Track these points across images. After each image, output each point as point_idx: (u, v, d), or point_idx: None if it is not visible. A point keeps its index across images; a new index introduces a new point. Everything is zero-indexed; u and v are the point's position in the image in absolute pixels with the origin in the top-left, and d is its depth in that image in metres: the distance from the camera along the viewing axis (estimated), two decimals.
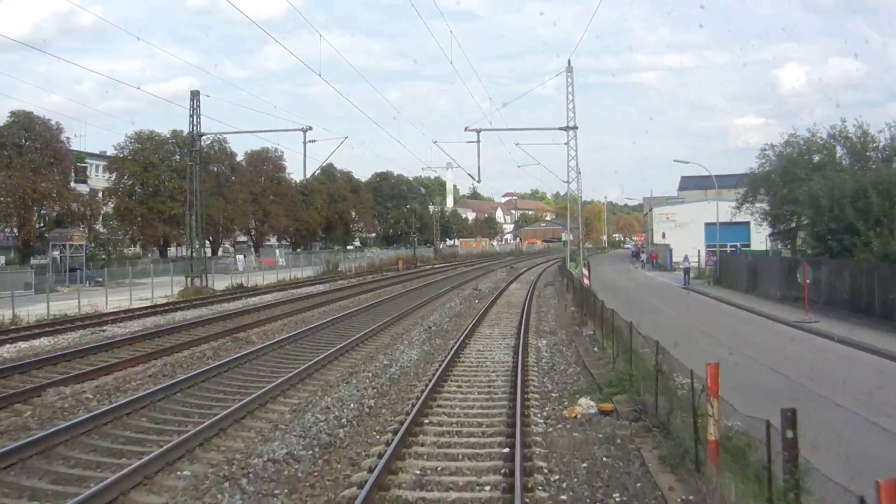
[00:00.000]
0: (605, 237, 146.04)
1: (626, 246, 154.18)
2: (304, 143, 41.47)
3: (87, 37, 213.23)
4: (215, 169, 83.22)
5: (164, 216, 72.33)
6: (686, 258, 44.40)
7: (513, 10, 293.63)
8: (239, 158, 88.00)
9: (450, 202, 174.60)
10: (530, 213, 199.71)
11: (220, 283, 45.61)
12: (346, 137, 41.90)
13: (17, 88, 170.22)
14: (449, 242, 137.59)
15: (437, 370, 15.98)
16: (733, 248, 68.53)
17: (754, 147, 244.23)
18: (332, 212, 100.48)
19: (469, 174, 41.44)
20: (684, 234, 66.45)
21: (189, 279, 42.50)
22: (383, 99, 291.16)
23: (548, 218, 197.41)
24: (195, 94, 43.13)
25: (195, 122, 43.28)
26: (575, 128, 40.43)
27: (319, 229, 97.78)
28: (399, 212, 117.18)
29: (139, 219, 73.01)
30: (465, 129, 40.45)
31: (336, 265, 61.49)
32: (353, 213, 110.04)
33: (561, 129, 40.65)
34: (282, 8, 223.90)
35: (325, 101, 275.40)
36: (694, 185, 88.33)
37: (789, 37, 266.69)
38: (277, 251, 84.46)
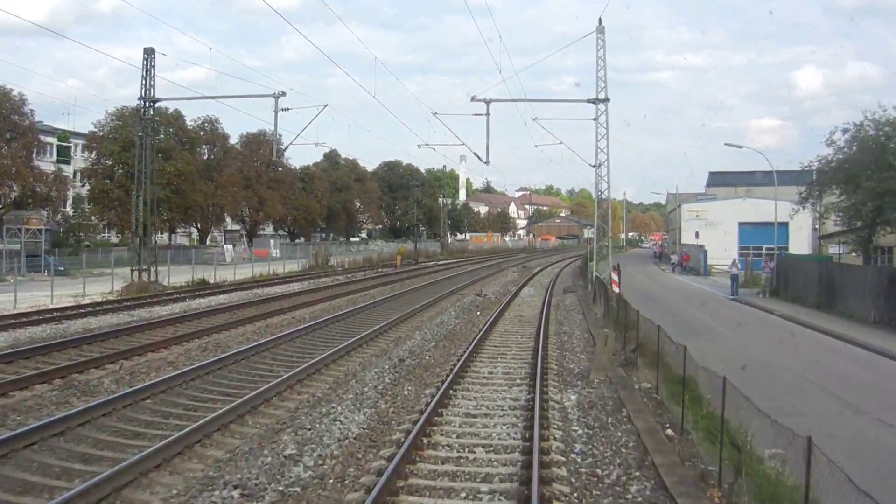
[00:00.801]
0: (623, 235, 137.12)
1: (643, 245, 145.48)
2: (276, 111, 33.74)
3: (104, 23, 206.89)
4: (204, 151, 75.89)
5: (144, 200, 64.78)
6: (734, 263, 35.97)
7: (531, 5, 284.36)
8: (234, 141, 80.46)
9: (462, 196, 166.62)
10: (544, 208, 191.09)
11: (183, 277, 37.99)
12: (326, 105, 33.76)
13: (34, 74, 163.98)
14: (460, 237, 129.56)
15: (382, 473, 8.17)
16: (769, 252, 60.38)
17: (770, 149, 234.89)
18: (335, 201, 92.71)
19: (475, 153, 32.90)
20: (716, 235, 58.30)
21: (136, 273, 34.81)
22: (400, 92, 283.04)
23: (563, 214, 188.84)
24: (149, 53, 35.26)
25: (148, 86, 35.41)
26: (606, 100, 32.29)
27: (320, 219, 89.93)
28: (407, 203, 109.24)
29: (116, 202, 65.81)
30: (472, 100, 32.37)
31: (327, 259, 53.59)
32: (358, 204, 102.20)
33: (589, 101, 32.50)
34: None
35: (340, 93, 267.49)
36: (724, 181, 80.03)
37: (807, 39, 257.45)
38: (272, 241, 76.75)
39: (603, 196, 32.44)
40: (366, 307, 26.09)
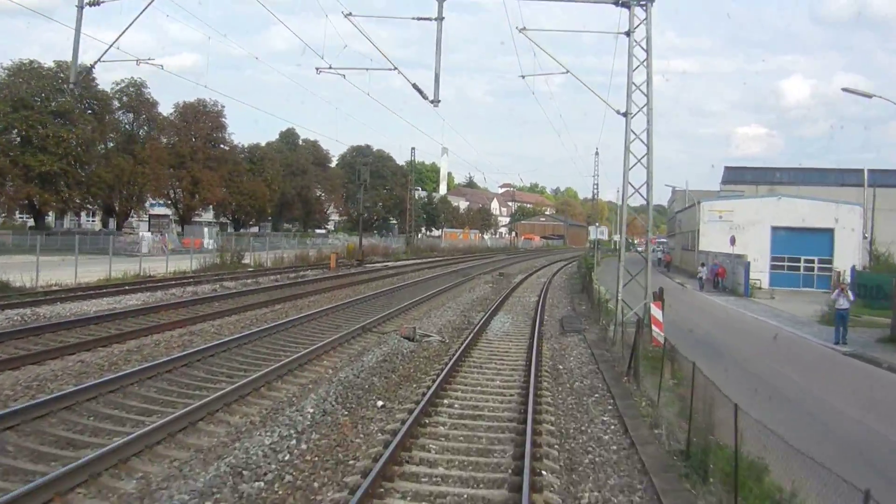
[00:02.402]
0: (618, 237, 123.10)
1: (637, 249, 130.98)
2: (80, 6, 19.09)
3: (93, 6, 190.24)
4: (124, 119, 61.05)
5: (34, 173, 50.06)
6: (842, 290, 20.98)
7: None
8: (168, 112, 65.58)
9: (443, 189, 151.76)
10: (528, 206, 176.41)
11: None
12: None
13: (21, 55, 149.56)
14: (436, 233, 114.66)
15: None
16: (808, 264, 46.50)
17: (756, 157, 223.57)
18: (290, 186, 77.96)
19: (414, 85, 17.44)
20: (744, 240, 44.21)
21: None
22: (393, 83, 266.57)
23: (547, 212, 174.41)
24: None
25: None
26: (647, 1, 17.76)
27: (270, 206, 75.04)
28: (377, 193, 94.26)
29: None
30: None
31: (240, 256, 38.88)
32: (319, 192, 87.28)
33: (615, 2, 17.91)
34: None
35: (327, 87, 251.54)
36: (742, 178, 65.95)
37: (795, 49, 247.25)
38: (206, 230, 61.72)
39: (641, 164, 17.60)
40: (137, 376, 11.38)
